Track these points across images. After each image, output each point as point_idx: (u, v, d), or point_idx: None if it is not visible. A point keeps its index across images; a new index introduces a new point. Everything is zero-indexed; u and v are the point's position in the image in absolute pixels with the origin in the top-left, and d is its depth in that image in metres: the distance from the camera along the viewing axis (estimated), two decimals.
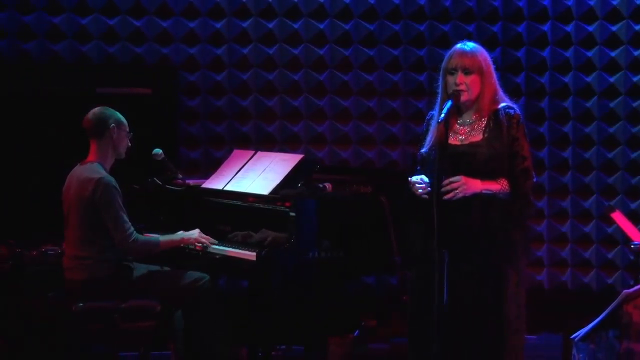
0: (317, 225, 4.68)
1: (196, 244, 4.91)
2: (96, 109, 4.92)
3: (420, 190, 3.98)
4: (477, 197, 3.99)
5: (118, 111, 4.97)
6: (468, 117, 4.10)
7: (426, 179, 3.99)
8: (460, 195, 3.95)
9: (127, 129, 4.93)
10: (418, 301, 4.10)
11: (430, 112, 4.20)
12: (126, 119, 4.98)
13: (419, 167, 4.12)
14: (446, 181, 3.94)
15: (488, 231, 4.01)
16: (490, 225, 4.01)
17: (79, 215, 4.80)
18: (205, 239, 4.92)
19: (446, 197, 3.93)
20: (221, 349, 4.84)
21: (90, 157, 4.89)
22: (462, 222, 4.00)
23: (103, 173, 4.78)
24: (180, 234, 4.94)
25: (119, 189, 4.77)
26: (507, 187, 4.00)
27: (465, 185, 3.95)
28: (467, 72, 4.02)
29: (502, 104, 4.09)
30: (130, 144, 4.96)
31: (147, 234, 5.02)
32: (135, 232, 4.78)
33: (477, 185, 3.97)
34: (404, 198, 4.16)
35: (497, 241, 4.01)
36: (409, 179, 4.04)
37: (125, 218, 4.75)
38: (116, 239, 4.74)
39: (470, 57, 4.03)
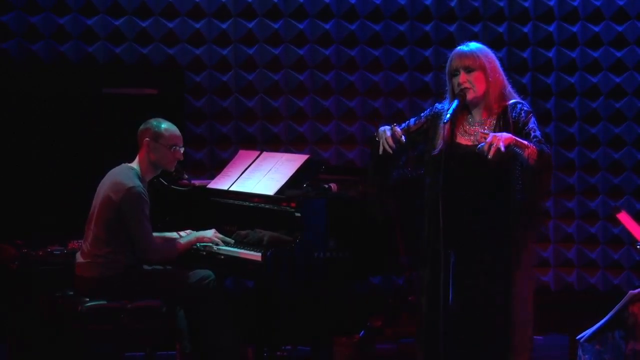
0: (322, 226, 4.68)
1: (211, 242, 4.95)
2: (148, 120, 4.96)
3: (384, 145, 3.98)
4: (485, 196, 3.99)
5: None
6: (478, 116, 4.09)
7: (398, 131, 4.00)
8: (502, 146, 3.76)
9: (172, 142, 4.91)
10: (425, 301, 4.10)
11: (439, 103, 4.20)
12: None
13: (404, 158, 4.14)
14: (480, 138, 3.83)
15: (496, 231, 4.00)
16: (498, 225, 4.00)
17: (102, 215, 4.85)
18: (220, 238, 4.95)
19: (491, 154, 3.78)
20: (229, 348, 4.85)
21: (137, 159, 4.94)
22: (470, 222, 4.00)
23: (136, 182, 4.81)
24: (195, 233, 4.98)
25: (147, 200, 4.82)
26: (535, 153, 3.87)
27: (497, 137, 3.79)
28: (468, 70, 4.03)
29: (512, 101, 4.09)
30: (180, 158, 4.96)
31: (155, 235, 5.03)
32: (155, 240, 4.86)
33: (509, 135, 3.83)
34: (413, 197, 4.17)
35: (505, 241, 4.01)
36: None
37: (149, 228, 4.82)
38: (138, 248, 4.81)
39: (469, 56, 4.04)
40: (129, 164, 4.93)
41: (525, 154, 3.85)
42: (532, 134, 3.96)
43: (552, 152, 6.62)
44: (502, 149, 3.75)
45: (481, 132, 3.85)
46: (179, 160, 4.99)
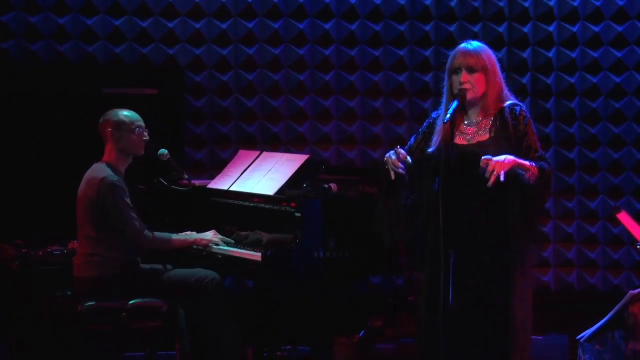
0: (322, 226, 4.68)
1: (209, 244, 4.95)
2: (104, 113, 4.97)
3: (394, 168, 3.95)
4: (485, 196, 3.99)
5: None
6: (474, 117, 4.10)
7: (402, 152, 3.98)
8: (502, 175, 3.77)
9: (133, 126, 4.92)
10: (426, 301, 4.10)
11: (435, 112, 4.20)
12: None
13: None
14: (483, 163, 3.80)
15: (496, 231, 4.00)
16: (497, 225, 4.00)
17: (85, 214, 4.87)
18: (220, 238, 4.96)
19: (490, 182, 3.78)
20: (229, 348, 4.85)
21: (103, 157, 4.95)
22: (469, 222, 4.00)
23: (108, 172, 4.82)
24: (195, 235, 4.98)
25: (124, 187, 4.82)
26: (536, 172, 3.89)
27: (500, 164, 3.78)
28: (471, 70, 4.02)
29: (508, 102, 4.09)
30: (146, 138, 4.97)
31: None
32: (145, 227, 4.84)
33: (511, 159, 3.82)
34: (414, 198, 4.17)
35: (505, 241, 4.01)
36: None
37: (133, 214, 4.81)
38: (127, 236, 4.80)
39: (473, 56, 4.03)
40: (99, 162, 4.94)
41: (527, 175, 3.88)
42: (533, 147, 3.97)
43: (552, 152, 6.66)
44: (502, 178, 3.77)
45: (484, 158, 3.84)
46: (146, 140, 4.98)
